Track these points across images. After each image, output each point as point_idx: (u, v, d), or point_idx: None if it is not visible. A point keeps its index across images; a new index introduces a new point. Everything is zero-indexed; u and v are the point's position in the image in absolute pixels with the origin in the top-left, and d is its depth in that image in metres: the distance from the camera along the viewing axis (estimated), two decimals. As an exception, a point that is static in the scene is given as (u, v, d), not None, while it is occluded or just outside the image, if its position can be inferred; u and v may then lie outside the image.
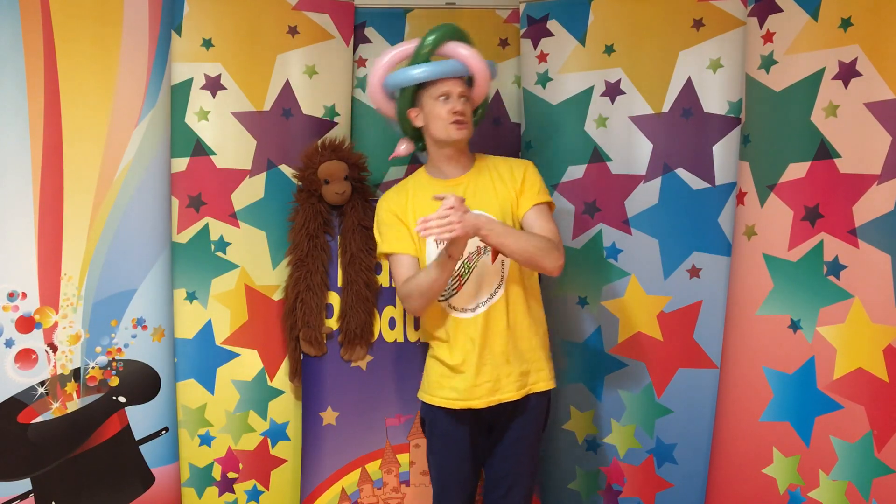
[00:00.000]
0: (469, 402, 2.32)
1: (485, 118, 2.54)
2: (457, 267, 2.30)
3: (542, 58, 2.90)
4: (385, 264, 2.74)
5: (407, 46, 2.41)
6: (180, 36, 2.76)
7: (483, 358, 2.31)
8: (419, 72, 2.33)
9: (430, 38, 2.36)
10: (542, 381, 2.38)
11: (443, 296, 2.34)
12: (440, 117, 2.32)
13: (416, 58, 2.37)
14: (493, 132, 3.04)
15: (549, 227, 2.34)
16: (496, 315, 2.31)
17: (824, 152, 2.29)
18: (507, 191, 2.37)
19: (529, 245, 2.23)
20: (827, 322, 2.29)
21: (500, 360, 2.32)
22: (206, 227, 2.81)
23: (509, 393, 2.33)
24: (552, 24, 2.88)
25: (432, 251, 2.35)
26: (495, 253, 2.30)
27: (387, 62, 2.41)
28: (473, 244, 2.30)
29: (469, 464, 2.39)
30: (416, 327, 2.77)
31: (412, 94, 2.39)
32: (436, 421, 2.40)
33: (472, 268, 2.32)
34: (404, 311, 2.79)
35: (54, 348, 2.57)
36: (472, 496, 2.45)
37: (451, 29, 2.38)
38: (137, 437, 2.70)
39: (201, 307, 2.82)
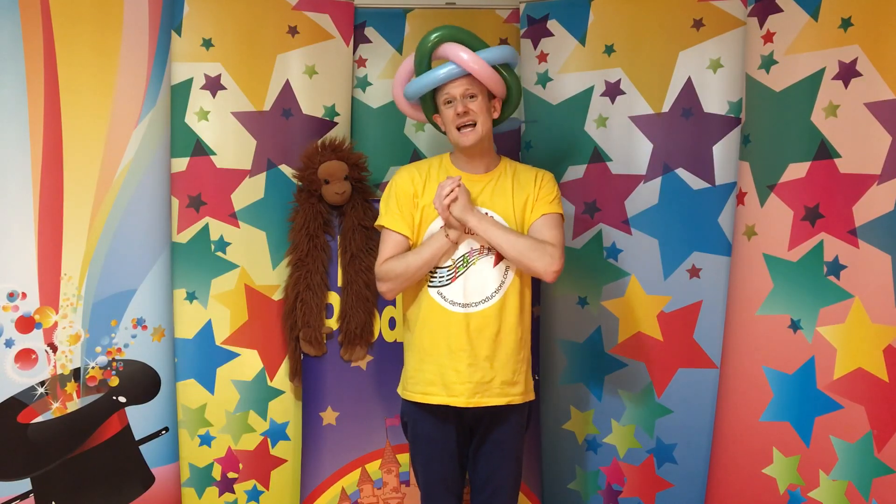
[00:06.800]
0: (449, 399, 2.29)
1: (518, 104, 2.47)
2: (454, 258, 2.29)
3: (542, 58, 2.90)
4: None
5: (411, 57, 2.38)
6: (180, 36, 2.76)
7: (466, 357, 2.28)
8: (415, 87, 2.34)
9: (426, 46, 2.31)
10: (522, 394, 2.35)
11: (433, 283, 2.32)
12: (449, 122, 2.31)
13: (418, 67, 2.35)
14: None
15: (551, 234, 2.30)
16: (489, 320, 2.28)
17: (824, 152, 2.29)
18: (524, 198, 2.35)
19: (519, 243, 2.23)
20: (827, 322, 2.29)
21: (485, 364, 2.28)
22: (206, 227, 2.81)
23: (490, 398, 2.29)
24: (552, 24, 2.88)
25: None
26: (498, 257, 2.29)
27: (402, 77, 2.40)
28: (478, 242, 2.30)
29: (454, 464, 2.36)
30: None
31: (432, 101, 2.38)
32: (417, 421, 2.37)
33: (470, 264, 2.30)
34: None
35: (54, 348, 2.57)
36: (461, 497, 2.42)
37: (445, 32, 2.31)
38: (137, 437, 2.69)
39: (201, 307, 2.82)
